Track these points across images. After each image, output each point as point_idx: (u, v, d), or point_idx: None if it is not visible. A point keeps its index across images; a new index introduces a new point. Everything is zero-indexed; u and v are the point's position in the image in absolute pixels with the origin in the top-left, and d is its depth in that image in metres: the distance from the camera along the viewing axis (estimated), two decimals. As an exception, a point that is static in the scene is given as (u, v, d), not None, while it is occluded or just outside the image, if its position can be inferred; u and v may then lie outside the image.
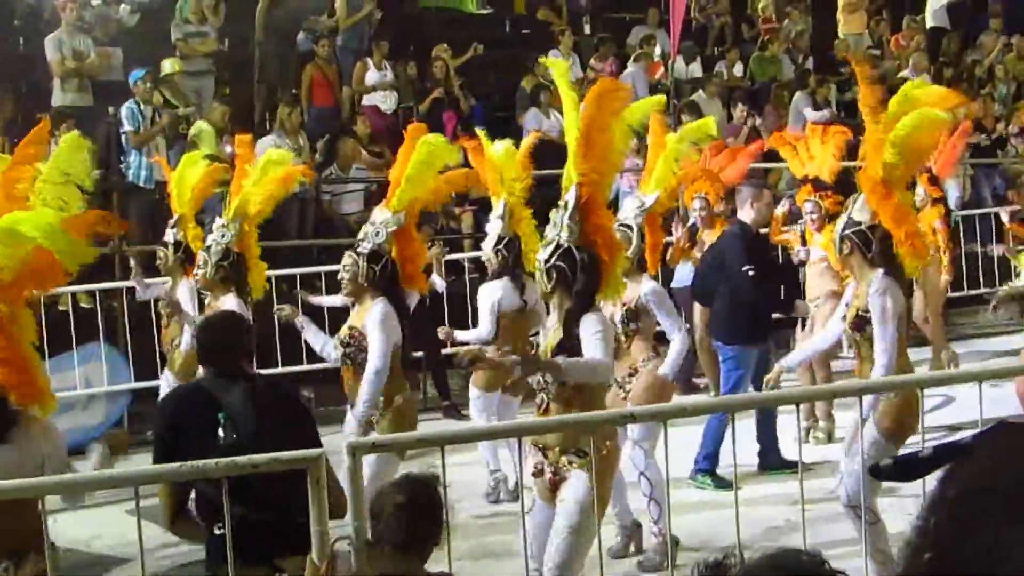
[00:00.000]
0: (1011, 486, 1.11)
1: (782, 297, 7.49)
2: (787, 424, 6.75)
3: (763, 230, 7.61)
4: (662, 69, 13.56)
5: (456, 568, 3.43)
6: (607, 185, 4.67)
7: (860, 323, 4.98)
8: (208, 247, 6.40)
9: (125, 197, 9.67)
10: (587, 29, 15.00)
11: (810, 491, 4.21)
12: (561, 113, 7.77)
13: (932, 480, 1.27)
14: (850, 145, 7.25)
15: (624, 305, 5.76)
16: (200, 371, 4.37)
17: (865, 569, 4.32)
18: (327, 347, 5.57)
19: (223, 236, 6.36)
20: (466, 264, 9.90)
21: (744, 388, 6.80)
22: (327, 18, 12.70)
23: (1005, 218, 10.61)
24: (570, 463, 4.15)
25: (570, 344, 4.13)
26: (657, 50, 13.83)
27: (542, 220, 5.08)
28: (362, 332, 5.30)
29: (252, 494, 3.39)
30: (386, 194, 5.78)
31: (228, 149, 9.20)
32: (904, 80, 8.52)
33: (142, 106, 9.73)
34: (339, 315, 6.59)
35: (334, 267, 6.32)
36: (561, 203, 4.34)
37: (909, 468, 1.55)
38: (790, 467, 6.57)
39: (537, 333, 4.85)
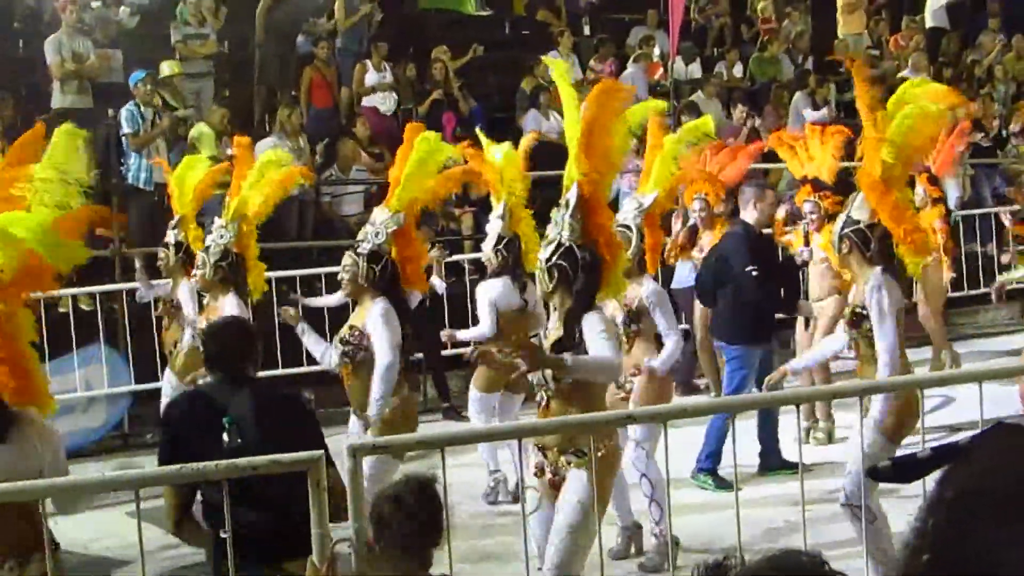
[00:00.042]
0: (1008, 487, 1.11)
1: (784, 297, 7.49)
2: (787, 425, 6.75)
3: (766, 230, 7.61)
4: (661, 70, 13.58)
5: (456, 570, 3.43)
6: (608, 185, 4.68)
7: (857, 320, 4.97)
8: (207, 248, 6.42)
9: (125, 199, 9.67)
10: (586, 30, 15.01)
11: (810, 492, 4.21)
12: (561, 114, 7.80)
13: (932, 481, 1.27)
14: (849, 145, 7.25)
15: (626, 306, 5.77)
16: (202, 369, 4.40)
17: (866, 570, 4.32)
18: (327, 354, 5.55)
19: (222, 237, 6.38)
20: (466, 265, 9.90)
21: (748, 388, 6.80)
22: (326, 20, 12.71)
23: (1007, 221, 10.60)
24: (568, 463, 4.15)
25: (569, 343, 4.11)
26: (656, 51, 13.84)
27: (542, 221, 5.08)
28: (362, 331, 5.30)
29: (259, 498, 3.41)
30: (386, 195, 5.79)
31: (229, 151, 9.21)
32: (904, 80, 8.52)
33: (142, 108, 9.73)
34: (339, 317, 6.60)
35: (334, 268, 6.33)
36: (562, 201, 4.34)
37: (907, 469, 1.55)
38: (790, 468, 6.57)
39: (537, 335, 4.84)
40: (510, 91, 12.97)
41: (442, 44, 12.73)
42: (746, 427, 6.67)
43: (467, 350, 6.98)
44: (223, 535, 3.37)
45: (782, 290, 7.40)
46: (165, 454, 3.68)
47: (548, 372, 4.11)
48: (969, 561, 1.09)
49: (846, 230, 5.03)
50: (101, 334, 8.56)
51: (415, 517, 3.24)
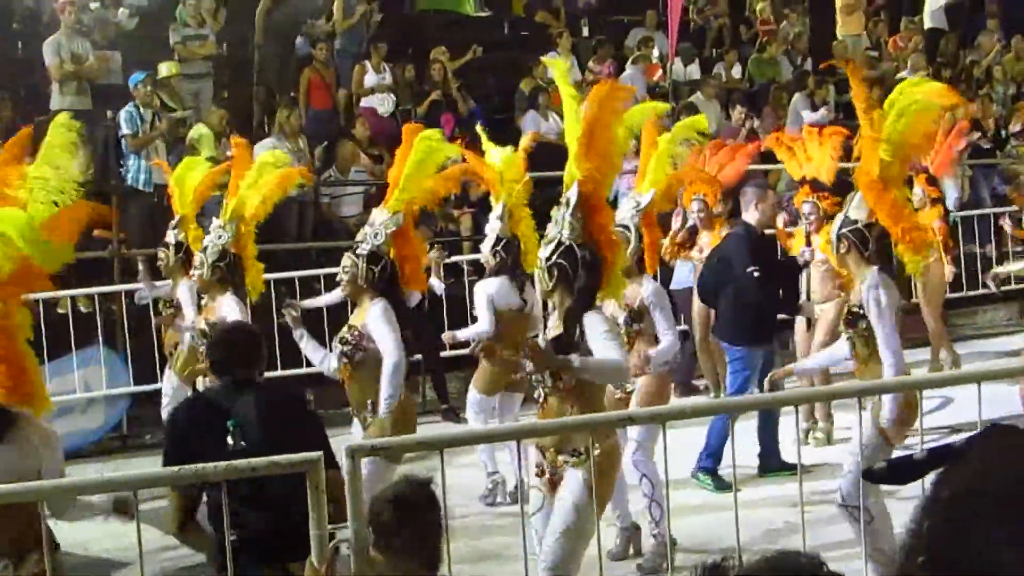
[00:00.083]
0: (1003, 488, 1.12)
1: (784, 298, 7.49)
2: (786, 426, 6.75)
3: (768, 231, 7.61)
4: (660, 71, 13.57)
5: (455, 572, 3.42)
6: (608, 185, 4.68)
7: (853, 319, 4.97)
8: (205, 248, 6.42)
9: (124, 200, 9.67)
10: (585, 31, 15.01)
11: (809, 493, 4.21)
12: (560, 115, 7.81)
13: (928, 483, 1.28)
14: (848, 146, 7.25)
15: (627, 306, 5.77)
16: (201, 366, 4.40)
17: (865, 570, 4.32)
18: (326, 361, 5.54)
19: (219, 237, 6.38)
20: (465, 267, 9.90)
21: (750, 389, 6.80)
22: (325, 22, 12.71)
23: (1007, 227, 10.59)
24: (565, 463, 4.15)
25: (568, 342, 4.10)
26: (655, 52, 13.84)
27: (541, 222, 5.08)
28: (361, 332, 5.29)
29: (265, 500, 3.41)
30: (385, 196, 5.79)
31: (229, 152, 9.21)
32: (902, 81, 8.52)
33: (141, 110, 9.73)
34: (338, 318, 6.60)
35: (333, 270, 6.33)
36: (563, 201, 4.34)
37: (902, 471, 1.56)
38: (790, 469, 6.57)
39: (537, 336, 4.85)
40: (509, 92, 12.97)
41: (441, 45, 12.73)
42: (746, 428, 6.68)
43: (466, 351, 6.98)
44: (231, 538, 3.37)
45: (785, 291, 7.40)
46: (170, 458, 3.68)
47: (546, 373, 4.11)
48: (965, 561, 1.10)
49: (844, 230, 5.03)
50: (100, 335, 8.56)
51: (414, 518, 3.24)
